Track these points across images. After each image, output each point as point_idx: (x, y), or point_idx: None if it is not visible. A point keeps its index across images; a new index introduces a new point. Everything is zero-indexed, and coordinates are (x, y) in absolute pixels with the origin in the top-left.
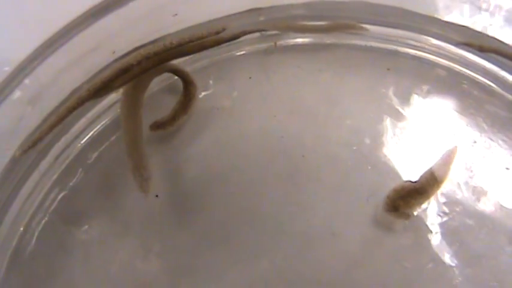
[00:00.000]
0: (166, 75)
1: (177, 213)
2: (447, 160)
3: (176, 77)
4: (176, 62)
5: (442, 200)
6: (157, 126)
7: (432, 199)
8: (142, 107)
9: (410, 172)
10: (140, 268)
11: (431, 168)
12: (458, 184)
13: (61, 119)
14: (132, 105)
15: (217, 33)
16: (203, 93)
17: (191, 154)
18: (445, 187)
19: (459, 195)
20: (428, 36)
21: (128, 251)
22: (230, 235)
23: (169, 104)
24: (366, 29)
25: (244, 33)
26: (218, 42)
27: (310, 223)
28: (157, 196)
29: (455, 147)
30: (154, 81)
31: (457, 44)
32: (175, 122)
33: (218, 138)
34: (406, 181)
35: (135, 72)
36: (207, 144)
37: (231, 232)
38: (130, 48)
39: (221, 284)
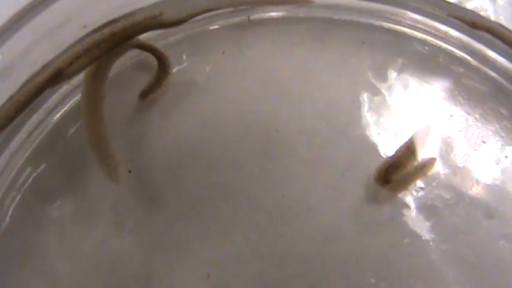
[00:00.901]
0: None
1: (150, 189)
2: (423, 134)
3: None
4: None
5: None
6: (145, 93)
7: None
8: (103, 98)
9: (386, 146)
10: (114, 244)
11: (406, 143)
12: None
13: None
14: (93, 97)
15: (154, 17)
16: (176, 68)
17: (164, 129)
18: (421, 159)
19: (435, 170)
20: (405, 9)
21: (102, 228)
22: (204, 210)
23: (142, 78)
24: (311, 1)
25: (188, 17)
26: (163, 25)
27: (285, 197)
28: (130, 172)
29: (431, 121)
30: (126, 57)
31: (447, 17)
32: (161, 83)
33: (191, 112)
34: (386, 157)
35: (85, 62)
36: (180, 119)
37: (204, 207)
38: (101, 22)
39: (195, 260)
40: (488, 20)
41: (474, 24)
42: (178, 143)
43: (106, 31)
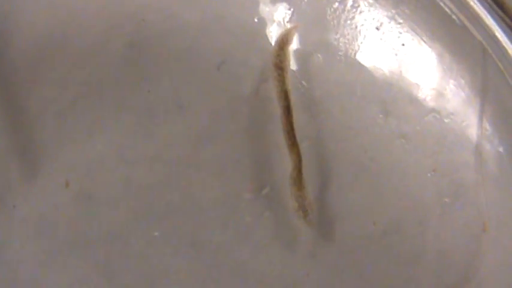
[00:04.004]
0: None
1: (8, 89)
2: (281, 43)
3: None
4: None
5: (301, 67)
6: None
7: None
8: None
9: (268, 36)
10: None
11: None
12: (321, 48)
13: None
14: None
15: None
16: None
17: (25, 24)
18: (305, 50)
19: (321, 60)
20: None
21: None
22: (63, 109)
23: None
24: None
25: None
26: None
27: (154, 95)
28: None
29: (293, 27)
30: None
31: None
32: None
33: (53, 6)
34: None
35: None
36: (42, 13)
37: (64, 106)
38: None
39: (52, 165)
40: None
41: None
42: (39, 40)
43: None
